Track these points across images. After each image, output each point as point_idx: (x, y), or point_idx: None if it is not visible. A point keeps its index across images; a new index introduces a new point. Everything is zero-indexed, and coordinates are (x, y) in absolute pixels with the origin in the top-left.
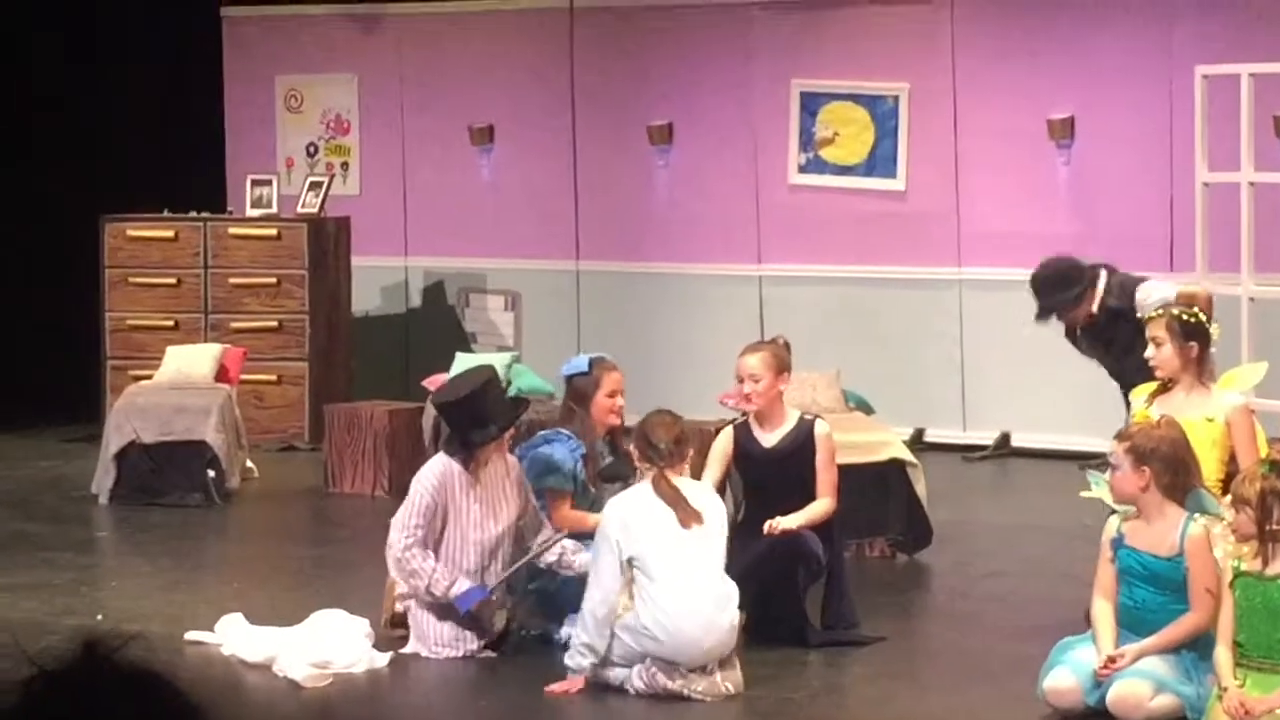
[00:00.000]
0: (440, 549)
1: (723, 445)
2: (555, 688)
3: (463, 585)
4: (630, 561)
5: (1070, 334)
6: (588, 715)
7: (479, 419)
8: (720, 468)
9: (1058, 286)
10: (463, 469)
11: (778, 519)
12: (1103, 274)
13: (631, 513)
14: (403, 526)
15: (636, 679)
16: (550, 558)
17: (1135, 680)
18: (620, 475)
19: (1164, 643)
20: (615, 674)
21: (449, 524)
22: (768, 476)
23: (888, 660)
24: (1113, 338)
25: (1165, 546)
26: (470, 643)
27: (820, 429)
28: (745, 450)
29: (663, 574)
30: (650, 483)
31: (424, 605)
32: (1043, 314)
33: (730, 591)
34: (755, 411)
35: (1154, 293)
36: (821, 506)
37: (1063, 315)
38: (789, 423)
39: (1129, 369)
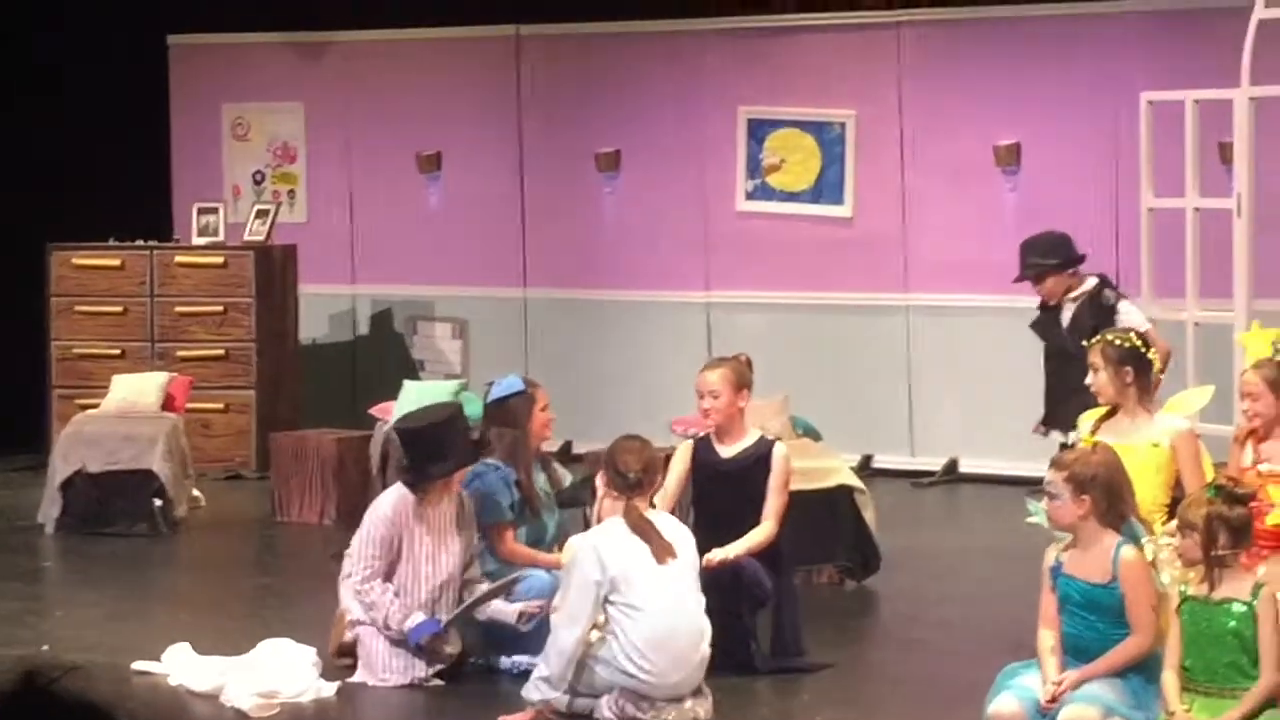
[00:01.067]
0: (393, 581)
1: (681, 463)
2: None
3: (416, 618)
4: (607, 597)
5: (1038, 323)
6: None
7: (438, 452)
8: (678, 485)
9: (1047, 250)
10: (416, 502)
11: (716, 551)
12: (1096, 277)
13: (607, 549)
14: (360, 558)
15: (605, 709)
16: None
17: (1083, 706)
18: (579, 500)
19: (1106, 667)
20: (581, 704)
21: (402, 557)
22: (721, 489)
23: (836, 687)
24: (1089, 330)
25: (1100, 573)
26: (419, 670)
27: (779, 450)
28: (703, 460)
29: (641, 607)
30: (622, 515)
31: (375, 634)
32: (1025, 271)
33: (704, 627)
34: (715, 427)
35: (1129, 316)
36: (763, 533)
37: (1041, 280)
38: (748, 439)
39: (1072, 373)
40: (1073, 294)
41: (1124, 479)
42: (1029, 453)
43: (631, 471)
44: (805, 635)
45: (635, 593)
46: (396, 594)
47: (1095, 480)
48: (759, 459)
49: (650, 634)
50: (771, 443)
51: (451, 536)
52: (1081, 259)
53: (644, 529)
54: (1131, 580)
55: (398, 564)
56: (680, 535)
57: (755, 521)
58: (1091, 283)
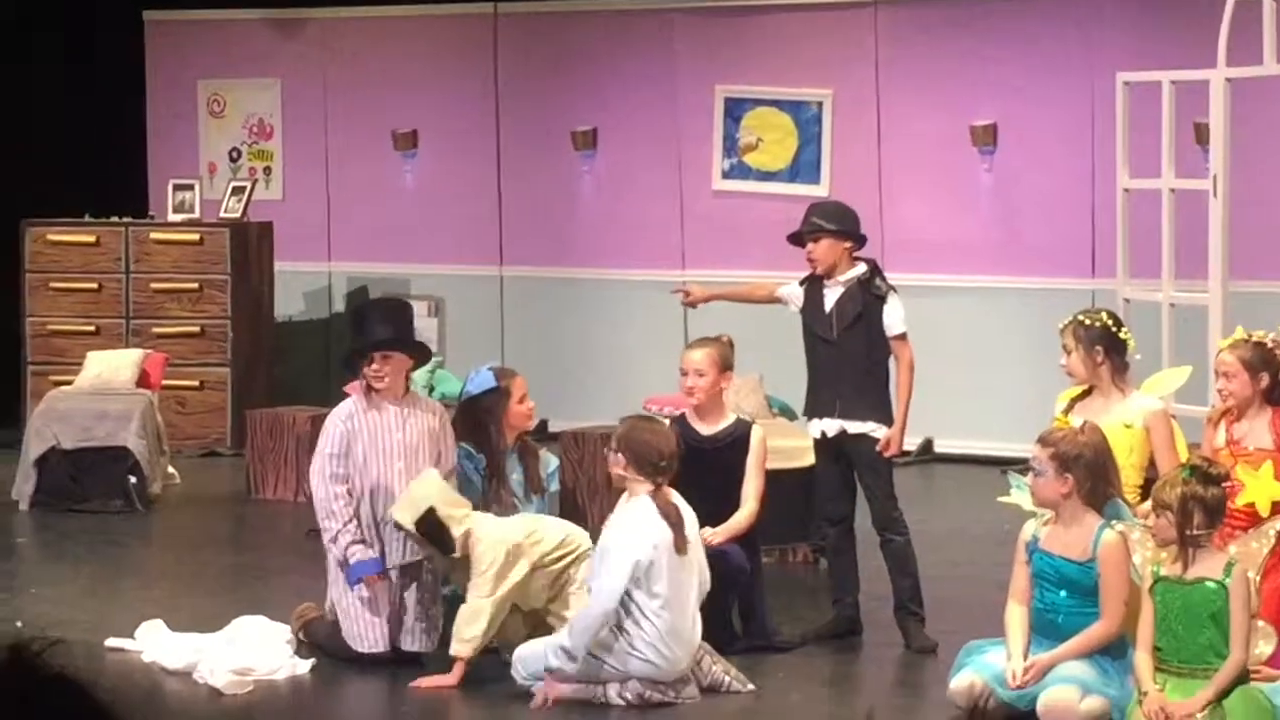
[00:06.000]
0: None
1: None
2: (539, 692)
3: (362, 554)
4: (636, 581)
5: (806, 282)
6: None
7: (367, 325)
8: None
9: (831, 215)
10: (367, 403)
11: (704, 530)
12: (866, 264)
13: (648, 532)
14: (320, 455)
15: (615, 695)
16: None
17: (1064, 687)
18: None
19: (1073, 651)
20: (586, 690)
21: (355, 467)
22: (698, 467)
23: (810, 666)
24: (852, 318)
25: (1078, 551)
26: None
27: (757, 432)
28: (681, 439)
29: (660, 595)
30: (651, 499)
31: (352, 602)
32: (803, 229)
33: (697, 615)
34: (696, 406)
35: (894, 312)
36: (744, 516)
37: (815, 241)
38: (727, 420)
39: (828, 359)
40: (842, 275)
41: (1109, 459)
42: (1004, 433)
43: (663, 458)
44: (779, 614)
45: (659, 581)
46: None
47: (1080, 459)
48: (737, 439)
49: (668, 624)
50: (750, 424)
51: (417, 454)
52: (862, 240)
53: (673, 516)
54: (1109, 564)
55: (352, 477)
56: (690, 519)
57: (732, 501)
58: (862, 268)
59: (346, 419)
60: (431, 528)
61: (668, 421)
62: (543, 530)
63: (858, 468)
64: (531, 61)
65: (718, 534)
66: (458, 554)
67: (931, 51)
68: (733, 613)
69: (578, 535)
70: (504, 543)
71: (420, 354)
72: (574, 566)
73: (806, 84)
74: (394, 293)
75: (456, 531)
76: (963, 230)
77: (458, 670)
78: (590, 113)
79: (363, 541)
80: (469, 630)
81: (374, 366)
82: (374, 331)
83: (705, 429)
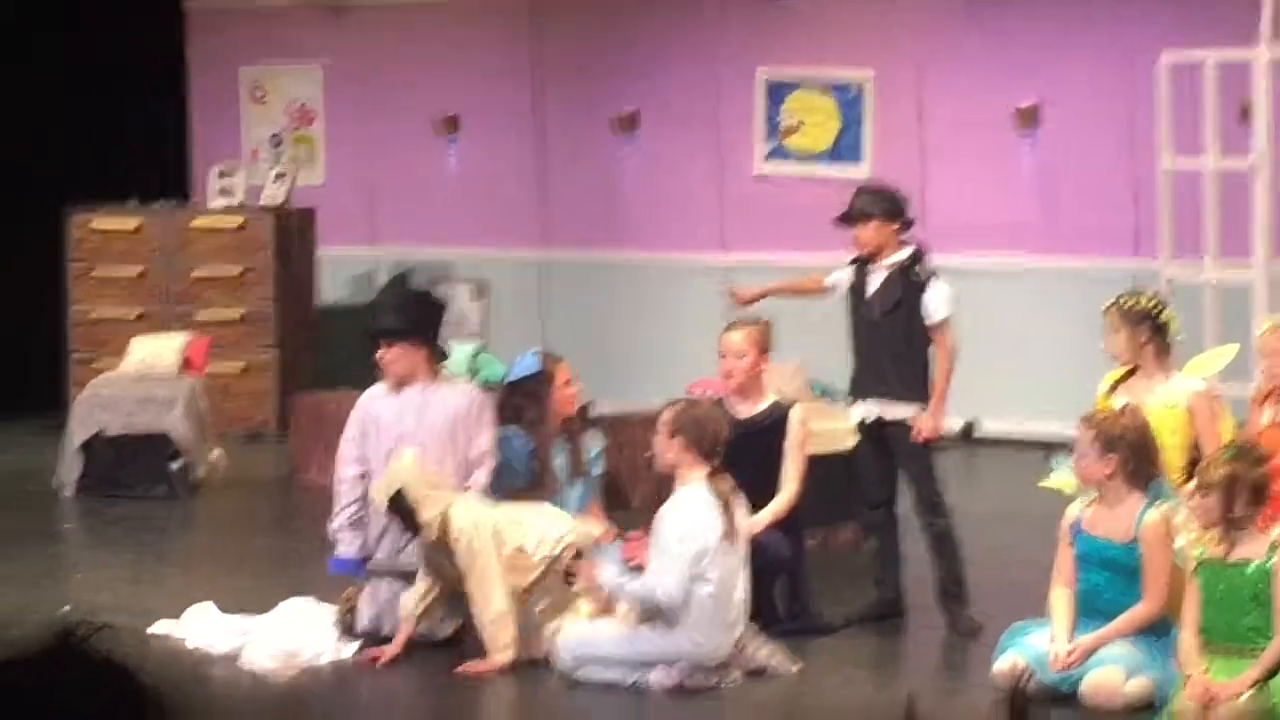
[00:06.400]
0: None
1: None
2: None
3: (347, 545)
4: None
5: (853, 264)
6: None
7: (372, 312)
8: None
9: (876, 198)
10: (387, 390)
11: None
12: (913, 248)
13: (710, 523)
14: (342, 437)
15: (659, 680)
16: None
17: (1108, 668)
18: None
19: (1116, 633)
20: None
21: (371, 449)
22: (738, 449)
23: (851, 648)
24: (893, 303)
25: (1122, 532)
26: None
27: (796, 413)
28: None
29: (712, 580)
30: (706, 482)
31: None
32: (849, 213)
33: (743, 600)
34: (737, 388)
35: (936, 296)
36: (785, 498)
37: (863, 225)
38: (766, 402)
39: (875, 342)
40: (886, 260)
41: (1152, 440)
42: (1045, 414)
43: (719, 438)
44: (822, 597)
45: (712, 568)
46: (361, 501)
47: (1123, 439)
48: (776, 421)
49: (716, 609)
50: (788, 406)
51: (431, 439)
52: (909, 223)
53: (730, 502)
54: (1152, 544)
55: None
56: (742, 502)
57: (772, 482)
58: (907, 253)
59: (367, 402)
60: (400, 508)
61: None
62: (525, 517)
63: (896, 453)
64: (573, 45)
65: (760, 519)
66: (433, 538)
67: (973, 33)
68: (775, 595)
69: (560, 527)
70: (483, 525)
71: (425, 341)
72: (558, 562)
73: (848, 66)
74: (439, 276)
75: (428, 514)
76: (1005, 211)
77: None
78: (632, 96)
79: (358, 527)
80: (504, 636)
81: (380, 353)
82: (378, 320)
83: (744, 411)
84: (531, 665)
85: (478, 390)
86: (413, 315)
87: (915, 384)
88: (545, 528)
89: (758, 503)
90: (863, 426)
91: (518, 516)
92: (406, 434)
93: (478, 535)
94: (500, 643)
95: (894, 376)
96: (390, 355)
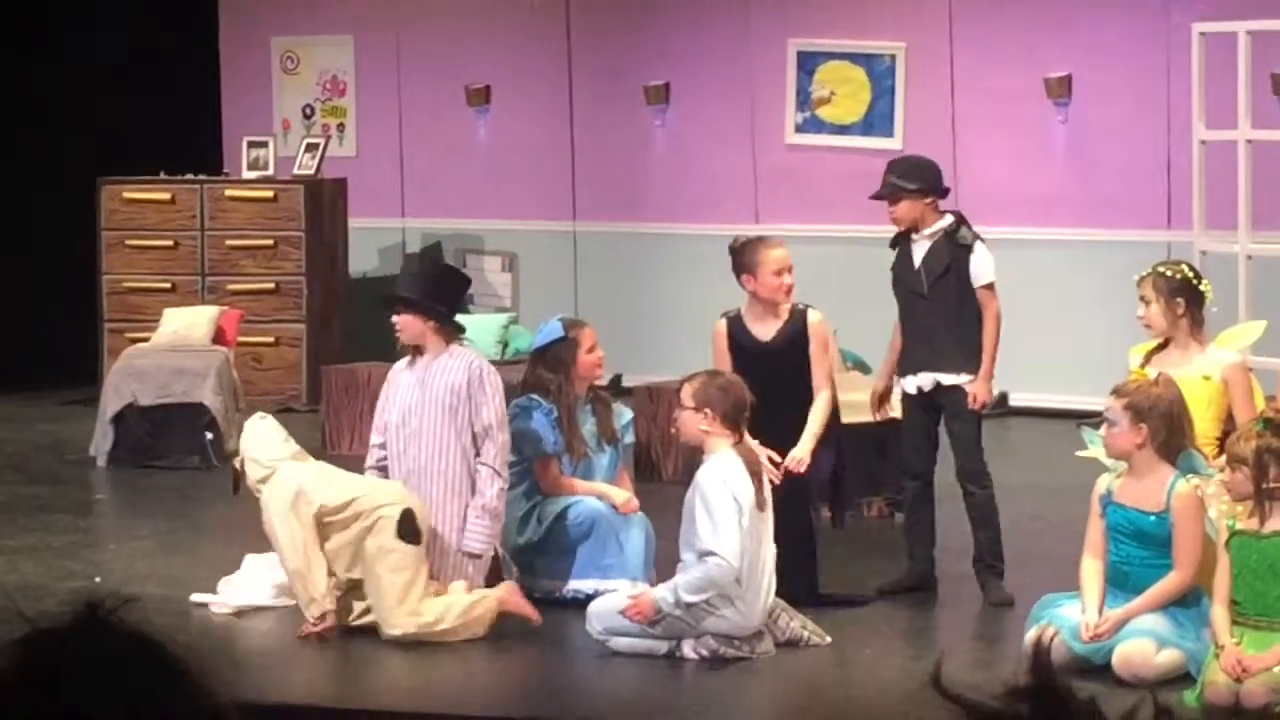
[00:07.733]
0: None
1: (721, 345)
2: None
3: None
4: None
5: (895, 243)
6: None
7: (407, 282)
8: (727, 366)
9: (908, 172)
10: (407, 362)
11: (793, 455)
12: (952, 215)
13: (743, 491)
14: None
15: (689, 650)
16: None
17: (1139, 640)
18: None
19: (1147, 604)
20: (652, 644)
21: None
22: (760, 371)
23: (883, 620)
24: (942, 269)
25: (1152, 503)
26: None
27: (813, 316)
28: (740, 343)
29: (746, 550)
30: (734, 451)
31: None
32: (882, 190)
33: (773, 570)
34: (763, 306)
35: (982, 260)
36: (821, 408)
37: (896, 202)
38: (783, 316)
39: (922, 314)
40: (928, 229)
41: (1183, 411)
42: (1079, 386)
43: (745, 404)
44: (853, 568)
45: (743, 538)
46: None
47: (1154, 410)
48: (796, 334)
49: (746, 579)
50: (804, 311)
51: (425, 411)
52: (944, 192)
53: (758, 471)
54: (1183, 514)
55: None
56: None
57: (796, 404)
58: (948, 220)
59: (392, 374)
60: (235, 469)
61: (725, 324)
62: (340, 488)
63: (947, 418)
64: (604, 15)
65: (804, 444)
66: (257, 499)
67: (1004, 3)
68: (809, 568)
69: (378, 497)
70: (285, 484)
71: (434, 313)
72: (370, 536)
73: (879, 37)
74: (468, 248)
75: (252, 478)
76: (1037, 183)
77: (329, 621)
78: (663, 67)
79: None
80: (305, 593)
81: (394, 319)
82: (395, 287)
83: (763, 331)
84: (536, 636)
85: (480, 362)
86: (424, 286)
87: (970, 350)
88: (369, 494)
89: (783, 429)
90: (915, 396)
91: (340, 482)
92: (411, 406)
93: (274, 495)
94: (303, 600)
95: (950, 343)
96: (400, 323)
